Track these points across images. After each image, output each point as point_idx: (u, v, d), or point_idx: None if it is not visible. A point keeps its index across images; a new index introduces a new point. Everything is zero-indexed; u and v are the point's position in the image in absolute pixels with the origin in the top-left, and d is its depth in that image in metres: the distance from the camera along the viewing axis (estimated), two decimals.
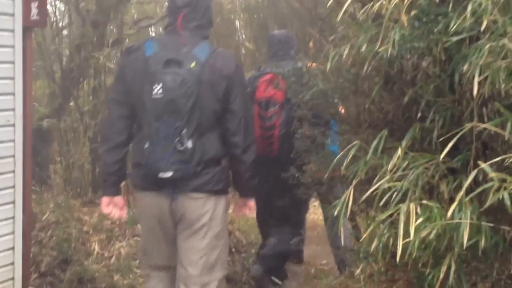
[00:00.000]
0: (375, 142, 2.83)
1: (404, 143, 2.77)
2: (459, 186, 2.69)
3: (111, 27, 5.50)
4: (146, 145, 3.01)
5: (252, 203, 3.48)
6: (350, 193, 2.77)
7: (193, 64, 3.00)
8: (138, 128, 3.17)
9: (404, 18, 2.65)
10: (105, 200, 3.28)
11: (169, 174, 2.98)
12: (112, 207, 3.29)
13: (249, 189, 3.41)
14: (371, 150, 2.83)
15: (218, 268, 3.25)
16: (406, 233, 2.43)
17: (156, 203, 3.13)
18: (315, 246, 5.96)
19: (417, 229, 2.42)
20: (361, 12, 2.95)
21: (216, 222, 3.19)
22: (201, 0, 3.16)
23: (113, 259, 4.53)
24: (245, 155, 3.20)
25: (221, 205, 3.22)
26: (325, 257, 5.65)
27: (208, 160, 3.10)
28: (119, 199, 3.29)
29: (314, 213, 7.18)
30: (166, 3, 3.20)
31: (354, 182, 2.83)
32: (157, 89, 2.94)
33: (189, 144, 2.98)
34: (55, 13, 5.65)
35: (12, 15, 3.35)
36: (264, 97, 4.16)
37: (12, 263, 3.54)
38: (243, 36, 9.65)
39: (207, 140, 3.09)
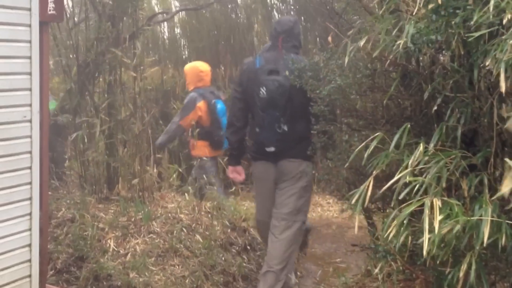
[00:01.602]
0: (397, 136, 2.79)
1: (432, 144, 2.72)
2: (479, 183, 2.66)
3: (127, 21, 5.48)
4: (257, 129, 4.40)
5: None
6: (369, 184, 2.73)
7: (287, 73, 4.21)
8: (251, 117, 4.49)
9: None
10: (230, 168, 4.73)
11: (272, 149, 4.35)
12: (235, 174, 4.72)
13: None
14: (393, 143, 2.79)
15: (302, 214, 4.45)
16: (429, 229, 2.40)
17: (265, 168, 4.47)
18: (330, 244, 5.94)
19: (437, 226, 2.38)
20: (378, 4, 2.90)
21: (304, 179, 4.39)
22: (294, 28, 4.47)
23: (128, 256, 4.51)
24: None
25: (308, 167, 4.40)
26: (341, 255, 5.62)
27: (298, 138, 4.31)
28: (240, 168, 4.72)
29: (329, 210, 7.16)
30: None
31: (374, 173, 2.79)
32: (263, 90, 4.27)
33: (285, 128, 4.28)
34: (71, 7, 5.64)
35: (29, 9, 3.33)
36: None
37: (29, 260, 3.52)
38: (260, 31, 9.62)
39: (298, 124, 4.29)
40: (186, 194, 5.49)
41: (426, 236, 2.40)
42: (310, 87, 3.80)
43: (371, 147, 2.87)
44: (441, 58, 2.95)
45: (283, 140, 4.30)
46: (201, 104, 6.19)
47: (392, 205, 2.94)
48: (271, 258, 4.35)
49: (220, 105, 6.28)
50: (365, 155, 2.90)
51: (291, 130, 4.29)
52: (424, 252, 2.40)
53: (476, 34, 2.50)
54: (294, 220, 4.36)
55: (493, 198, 2.46)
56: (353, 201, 2.79)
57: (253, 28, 9.44)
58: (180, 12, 9.31)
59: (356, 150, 3.01)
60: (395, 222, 2.62)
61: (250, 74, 4.39)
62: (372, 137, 2.89)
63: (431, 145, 2.71)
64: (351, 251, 5.29)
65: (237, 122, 4.54)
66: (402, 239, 2.63)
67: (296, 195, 4.36)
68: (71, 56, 5.43)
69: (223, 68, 8.98)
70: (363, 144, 2.95)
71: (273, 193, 4.46)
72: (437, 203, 2.47)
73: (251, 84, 4.35)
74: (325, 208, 7.22)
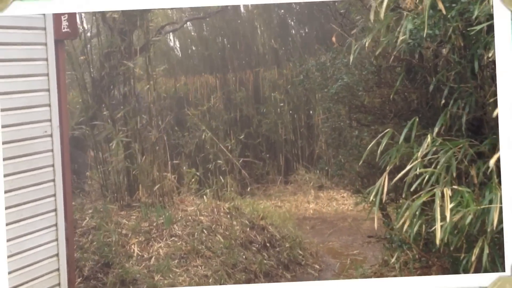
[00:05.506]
0: (405, 129, 2.84)
1: (436, 129, 2.79)
2: (488, 170, 2.72)
3: (138, 34, 5.56)
4: None
5: None
6: (384, 180, 2.79)
7: None
8: None
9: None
10: None
11: None
12: None
13: None
14: (402, 137, 2.84)
15: None
16: (441, 218, 2.46)
17: None
18: (346, 237, 5.97)
19: (449, 215, 2.45)
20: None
21: None
22: None
23: (152, 260, 4.59)
24: None
25: None
26: (358, 247, 5.65)
27: None
28: None
29: (344, 203, 7.17)
30: None
31: (388, 169, 2.86)
32: None
33: None
34: (82, 23, 5.73)
35: (44, 29, 3.44)
36: None
37: (58, 269, 3.64)
38: (264, 35, 9.64)
39: None
40: (204, 196, 5.56)
41: (438, 225, 2.46)
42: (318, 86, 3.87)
43: (383, 144, 2.91)
44: (444, 51, 3.01)
45: None
46: None
47: (404, 196, 3.00)
48: None
49: None
50: (378, 152, 2.95)
51: None
52: (437, 241, 2.47)
53: (478, 28, 2.56)
54: None
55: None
56: (371, 197, 2.84)
57: (257, 33, 9.47)
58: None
59: (368, 147, 3.05)
60: (407, 213, 2.68)
61: None
62: (382, 133, 2.94)
63: (435, 130, 2.76)
64: (367, 242, 5.32)
65: None
66: (416, 228, 2.70)
67: None
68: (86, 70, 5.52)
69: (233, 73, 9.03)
70: (374, 141, 3.00)
71: None
72: (447, 192, 2.53)
73: None
74: (340, 202, 7.21)
